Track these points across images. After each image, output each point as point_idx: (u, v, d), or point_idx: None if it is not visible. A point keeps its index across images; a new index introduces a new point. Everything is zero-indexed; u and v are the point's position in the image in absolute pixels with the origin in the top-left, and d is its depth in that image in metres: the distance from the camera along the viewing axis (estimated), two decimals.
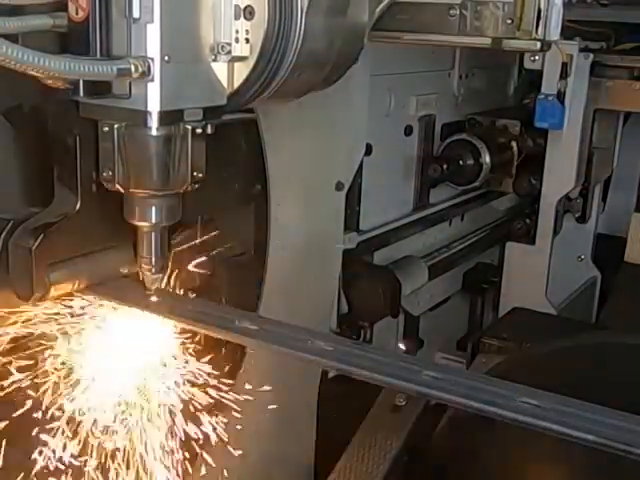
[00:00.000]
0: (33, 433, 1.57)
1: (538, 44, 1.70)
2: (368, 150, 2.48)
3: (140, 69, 1.28)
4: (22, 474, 1.59)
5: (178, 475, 1.87)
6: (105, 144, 1.39)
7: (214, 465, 1.99)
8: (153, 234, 1.50)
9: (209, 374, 1.69)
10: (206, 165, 1.46)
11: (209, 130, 1.41)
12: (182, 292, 1.70)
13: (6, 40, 1.15)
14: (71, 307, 1.56)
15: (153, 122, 1.33)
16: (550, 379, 1.49)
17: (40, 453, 1.57)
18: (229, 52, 1.37)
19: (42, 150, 1.51)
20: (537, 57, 2.77)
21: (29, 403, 1.54)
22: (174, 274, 1.66)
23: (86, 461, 1.61)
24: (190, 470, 1.91)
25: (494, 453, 1.92)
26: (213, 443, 1.91)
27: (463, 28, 1.75)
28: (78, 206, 1.48)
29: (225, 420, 1.85)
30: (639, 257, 3.30)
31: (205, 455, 1.93)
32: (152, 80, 1.30)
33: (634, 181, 3.52)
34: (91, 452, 1.61)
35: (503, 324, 2.75)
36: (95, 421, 1.59)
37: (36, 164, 1.54)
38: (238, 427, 2.02)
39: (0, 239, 1.45)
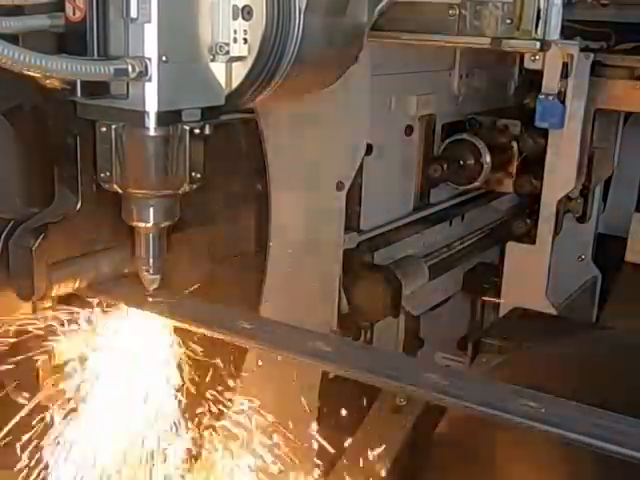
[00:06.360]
0: None
1: (538, 44, 1.70)
2: (368, 150, 2.48)
3: (137, 69, 1.28)
4: None
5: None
6: (103, 145, 1.40)
7: (214, 465, 1.99)
8: (151, 235, 1.50)
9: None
10: (206, 165, 1.46)
11: (207, 130, 1.41)
12: (182, 292, 1.70)
13: (3, 40, 1.15)
14: None
15: (151, 122, 1.33)
16: (550, 379, 1.50)
17: None
18: (227, 52, 1.37)
19: (42, 150, 1.51)
20: (537, 57, 2.76)
21: None
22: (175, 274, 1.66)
23: None
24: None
25: (494, 453, 1.92)
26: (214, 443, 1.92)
27: (463, 28, 1.75)
28: (79, 206, 1.49)
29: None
30: (639, 257, 3.30)
31: (206, 455, 1.93)
32: (150, 80, 1.30)
33: (634, 181, 3.52)
34: None
35: (503, 324, 2.76)
36: None
37: (36, 164, 1.54)
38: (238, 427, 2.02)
39: (0, 239, 1.45)
